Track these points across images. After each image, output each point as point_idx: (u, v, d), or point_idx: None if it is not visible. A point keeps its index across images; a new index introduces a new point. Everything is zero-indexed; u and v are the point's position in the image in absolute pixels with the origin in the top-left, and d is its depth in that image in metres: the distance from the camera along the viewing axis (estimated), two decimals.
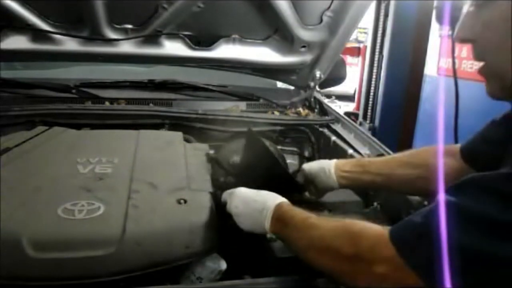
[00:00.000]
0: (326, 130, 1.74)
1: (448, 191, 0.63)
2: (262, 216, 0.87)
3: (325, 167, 1.17)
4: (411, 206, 1.13)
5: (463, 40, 0.75)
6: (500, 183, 0.58)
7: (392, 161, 1.15)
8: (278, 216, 0.86)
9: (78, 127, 1.48)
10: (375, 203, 1.25)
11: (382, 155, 1.39)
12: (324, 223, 0.78)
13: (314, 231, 0.77)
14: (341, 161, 1.20)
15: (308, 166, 1.22)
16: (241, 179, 1.15)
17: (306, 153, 1.78)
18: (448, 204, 0.60)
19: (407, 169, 1.08)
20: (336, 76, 2.00)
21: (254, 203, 0.91)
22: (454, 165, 0.99)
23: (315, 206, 1.14)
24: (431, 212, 0.63)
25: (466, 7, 0.72)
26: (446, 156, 1.00)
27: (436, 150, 1.02)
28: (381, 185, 1.13)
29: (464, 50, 2.94)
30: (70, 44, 1.59)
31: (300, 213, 0.84)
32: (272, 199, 0.90)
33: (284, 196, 0.92)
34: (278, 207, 0.87)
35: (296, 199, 0.94)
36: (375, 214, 1.19)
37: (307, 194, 1.21)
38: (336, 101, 5.80)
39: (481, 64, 0.73)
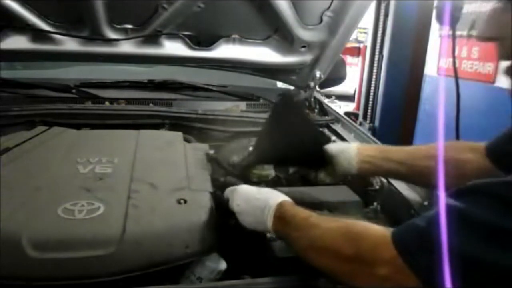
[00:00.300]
0: (326, 130, 1.74)
1: (455, 195, 0.62)
2: (264, 215, 0.87)
3: (346, 150, 1.13)
4: (411, 207, 1.13)
5: (488, 39, 0.71)
6: (505, 191, 0.58)
7: (416, 152, 1.11)
8: (280, 214, 0.86)
9: (78, 127, 1.48)
10: (375, 203, 1.25)
11: None
12: (325, 223, 0.78)
13: (315, 230, 0.77)
14: (364, 145, 1.18)
15: (330, 146, 1.19)
16: (271, 139, 1.14)
17: None
18: (453, 210, 0.60)
19: (432, 161, 1.03)
20: (336, 76, 2.00)
21: (256, 201, 0.90)
22: (478, 162, 0.97)
23: (315, 206, 1.13)
24: (434, 217, 0.62)
25: (477, 6, 0.70)
26: (471, 152, 0.99)
27: (462, 146, 1.01)
28: (402, 174, 1.10)
29: (464, 50, 2.94)
30: (70, 44, 1.59)
31: (301, 212, 0.83)
32: (274, 197, 0.89)
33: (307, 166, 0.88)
34: (280, 205, 0.87)
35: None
36: (375, 214, 1.19)
37: (322, 175, 1.19)
38: (336, 101, 5.79)
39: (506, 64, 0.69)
